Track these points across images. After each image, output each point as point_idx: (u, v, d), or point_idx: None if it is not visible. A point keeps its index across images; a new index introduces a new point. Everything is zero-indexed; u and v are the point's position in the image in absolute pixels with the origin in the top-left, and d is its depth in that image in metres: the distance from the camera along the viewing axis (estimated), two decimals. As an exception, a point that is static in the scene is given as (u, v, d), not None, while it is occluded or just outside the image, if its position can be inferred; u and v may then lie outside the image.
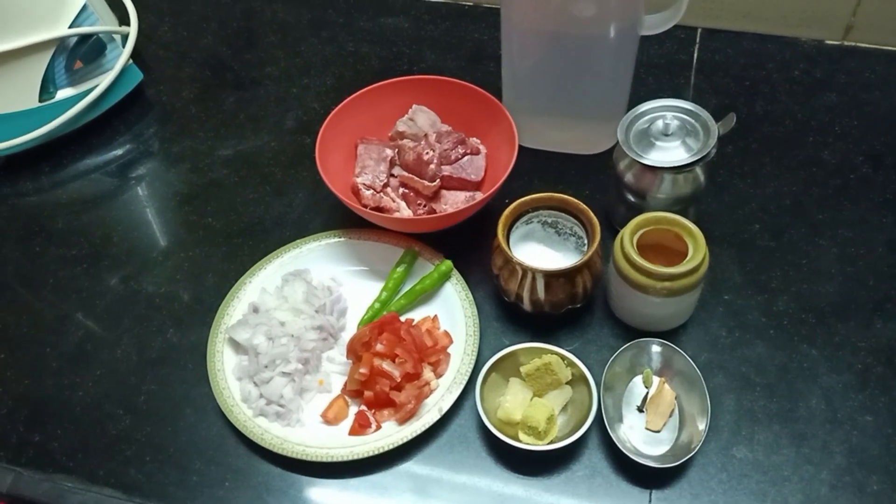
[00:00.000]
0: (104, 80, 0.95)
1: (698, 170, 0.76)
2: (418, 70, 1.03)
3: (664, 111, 0.77)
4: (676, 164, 0.74)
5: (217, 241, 0.87)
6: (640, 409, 0.72)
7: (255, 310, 0.77)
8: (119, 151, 0.98)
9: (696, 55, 1.01)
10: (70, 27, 0.91)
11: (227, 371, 0.74)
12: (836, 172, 0.88)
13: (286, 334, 0.74)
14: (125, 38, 0.99)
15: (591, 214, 0.75)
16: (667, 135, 0.76)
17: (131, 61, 0.99)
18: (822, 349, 0.75)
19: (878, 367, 0.73)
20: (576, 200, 0.76)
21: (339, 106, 0.86)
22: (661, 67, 1.00)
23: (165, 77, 1.05)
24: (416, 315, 0.79)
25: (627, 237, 0.72)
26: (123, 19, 1.01)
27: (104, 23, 0.96)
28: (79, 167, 0.96)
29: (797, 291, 0.79)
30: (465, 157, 0.86)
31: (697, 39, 1.03)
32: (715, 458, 0.69)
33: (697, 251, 0.71)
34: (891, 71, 0.98)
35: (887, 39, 0.99)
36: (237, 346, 0.76)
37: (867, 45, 1.00)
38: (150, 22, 1.11)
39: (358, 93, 0.87)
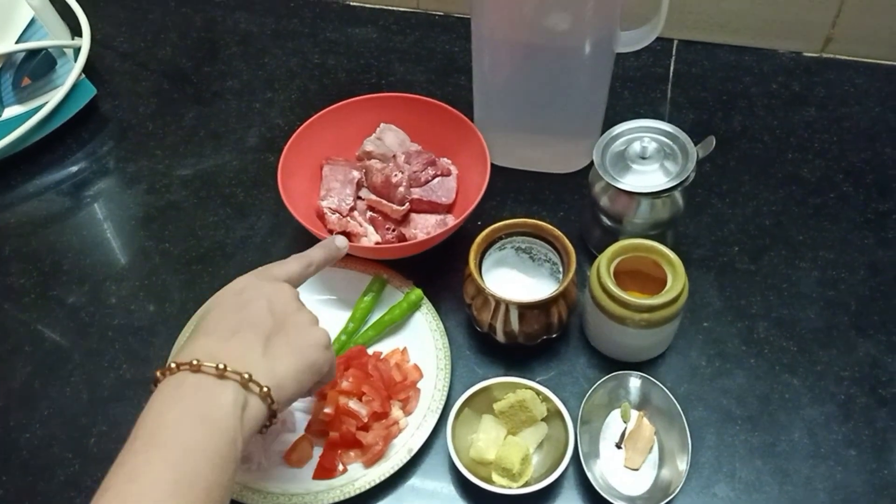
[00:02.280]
0: (55, 97, 0.90)
1: (677, 194, 0.74)
2: (387, 83, 0.99)
3: (641, 132, 0.74)
4: (654, 190, 0.71)
5: (175, 268, 0.83)
6: (619, 446, 0.69)
7: (214, 344, 0.73)
8: (72, 170, 0.93)
9: (672, 68, 0.99)
10: (17, 42, 0.86)
11: (183, 411, 0.70)
12: (815, 191, 0.86)
13: (246, 371, 0.70)
14: (77, 51, 0.94)
15: (567, 242, 0.72)
16: (644, 158, 0.73)
17: (84, 76, 0.94)
18: (804, 379, 0.73)
19: (862, 398, 0.71)
20: (550, 227, 0.73)
21: (303, 125, 0.82)
22: (636, 80, 0.97)
23: (121, 91, 1.00)
24: (385, 347, 0.75)
25: (604, 267, 0.69)
26: (76, 30, 0.96)
27: (54, 36, 0.91)
28: (28, 189, 0.91)
29: (778, 317, 0.77)
30: (436, 179, 0.82)
31: (674, 51, 1.00)
32: (696, 497, 0.67)
33: (677, 280, 0.68)
34: (870, 84, 0.96)
35: (867, 51, 0.97)
36: (195, 384, 0.72)
37: (846, 57, 0.98)
38: (105, 32, 1.06)
39: (323, 111, 0.84)
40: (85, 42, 0.94)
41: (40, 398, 0.74)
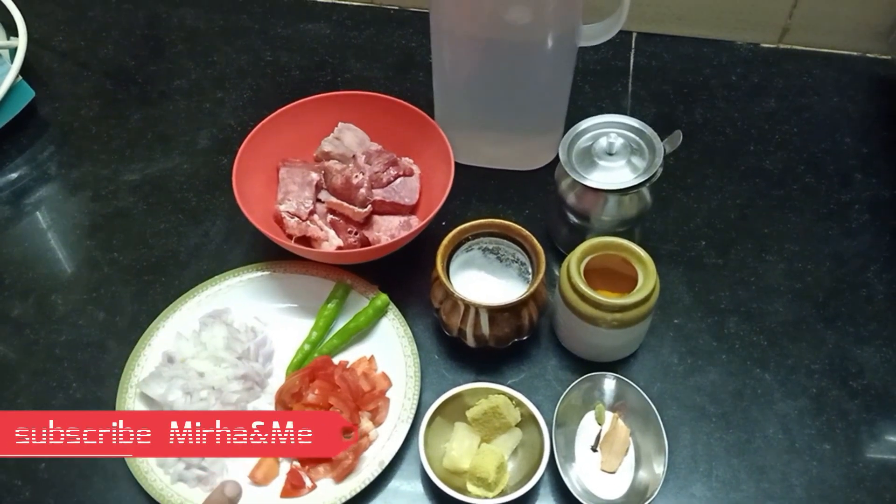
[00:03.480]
0: (-10, 101, 0.86)
1: (644, 190, 0.72)
2: (343, 81, 0.96)
3: (607, 128, 0.73)
4: (622, 186, 0.70)
5: (125, 280, 0.79)
6: (594, 449, 0.67)
7: (170, 359, 0.70)
8: (11, 177, 0.88)
9: (632, 61, 0.97)
10: (-54, 43, 0.81)
11: (140, 431, 0.67)
12: (778, 183, 0.86)
13: (206, 387, 0.67)
14: (13, 52, 0.89)
15: (535, 242, 0.70)
16: (611, 154, 0.71)
17: (21, 78, 0.89)
18: (776, 373, 0.72)
19: (833, 391, 0.71)
20: (518, 227, 0.71)
21: (257, 126, 0.79)
22: (598, 74, 0.96)
23: (62, 93, 0.95)
24: (351, 356, 0.72)
25: (574, 267, 0.67)
26: (12, 29, 0.91)
27: (-13, 36, 0.86)
28: (-36, 198, 0.86)
29: (747, 311, 0.76)
30: (398, 180, 0.80)
31: (633, 45, 0.99)
32: (673, 498, 0.66)
33: (648, 279, 0.67)
34: (827, 74, 0.96)
35: (823, 41, 0.97)
36: (151, 402, 0.68)
37: (803, 48, 0.98)
38: (43, 31, 1.01)
39: (278, 111, 0.80)
40: (21, 42, 0.89)
41: (-17, 423, 0.70)
